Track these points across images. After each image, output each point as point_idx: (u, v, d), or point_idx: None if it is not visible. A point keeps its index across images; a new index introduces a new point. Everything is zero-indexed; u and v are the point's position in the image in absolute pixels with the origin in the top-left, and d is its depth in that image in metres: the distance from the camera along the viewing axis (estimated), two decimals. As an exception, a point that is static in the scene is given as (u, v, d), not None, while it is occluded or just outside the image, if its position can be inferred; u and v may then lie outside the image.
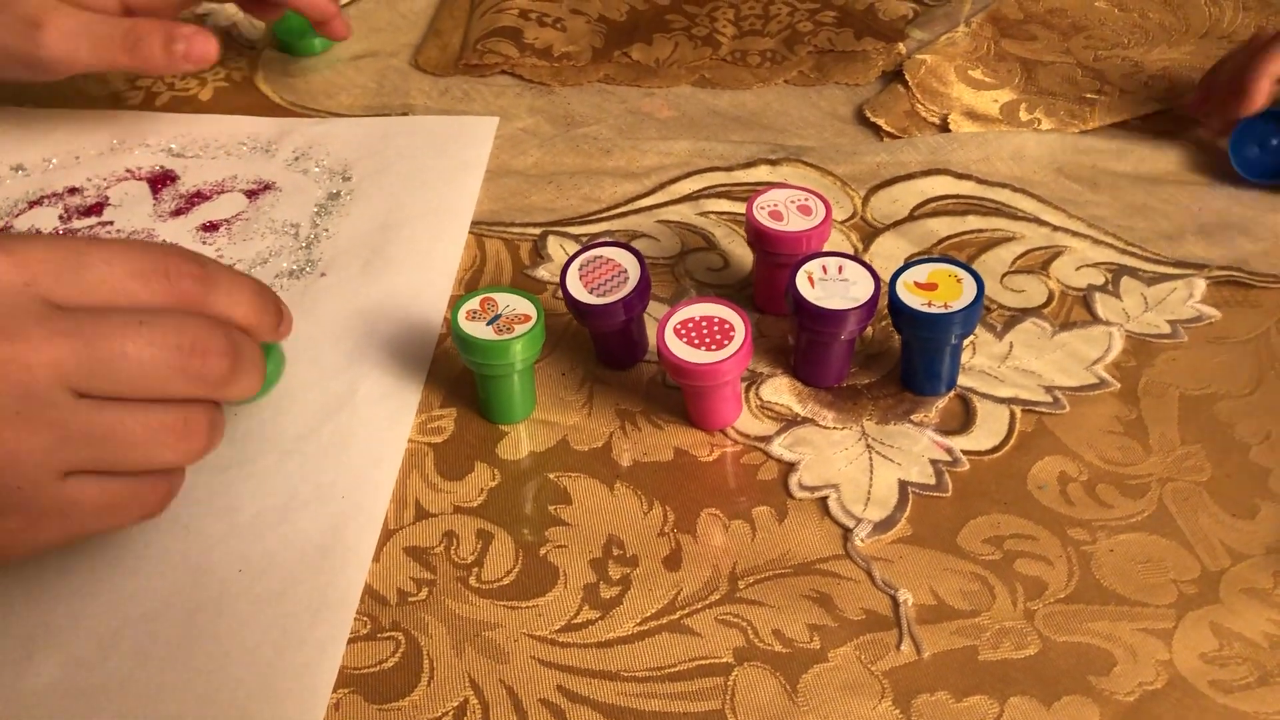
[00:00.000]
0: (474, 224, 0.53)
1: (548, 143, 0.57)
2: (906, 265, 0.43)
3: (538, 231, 0.52)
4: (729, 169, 0.55)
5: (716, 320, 0.41)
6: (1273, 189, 0.52)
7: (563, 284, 0.43)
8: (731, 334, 0.41)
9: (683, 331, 0.41)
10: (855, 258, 0.43)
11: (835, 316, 0.41)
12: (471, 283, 0.50)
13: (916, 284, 0.42)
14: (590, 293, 0.43)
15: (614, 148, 0.57)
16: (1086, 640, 0.37)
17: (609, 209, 0.53)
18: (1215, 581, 0.38)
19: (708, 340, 0.40)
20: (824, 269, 0.43)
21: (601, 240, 0.45)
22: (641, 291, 0.43)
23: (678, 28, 0.65)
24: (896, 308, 0.42)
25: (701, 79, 0.62)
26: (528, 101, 0.61)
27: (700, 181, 0.54)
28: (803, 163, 0.55)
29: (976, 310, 0.41)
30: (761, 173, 0.55)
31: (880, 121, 0.57)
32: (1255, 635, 0.36)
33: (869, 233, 0.52)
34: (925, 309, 0.41)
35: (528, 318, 0.41)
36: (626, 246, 0.44)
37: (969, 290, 0.41)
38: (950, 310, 0.41)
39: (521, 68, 0.63)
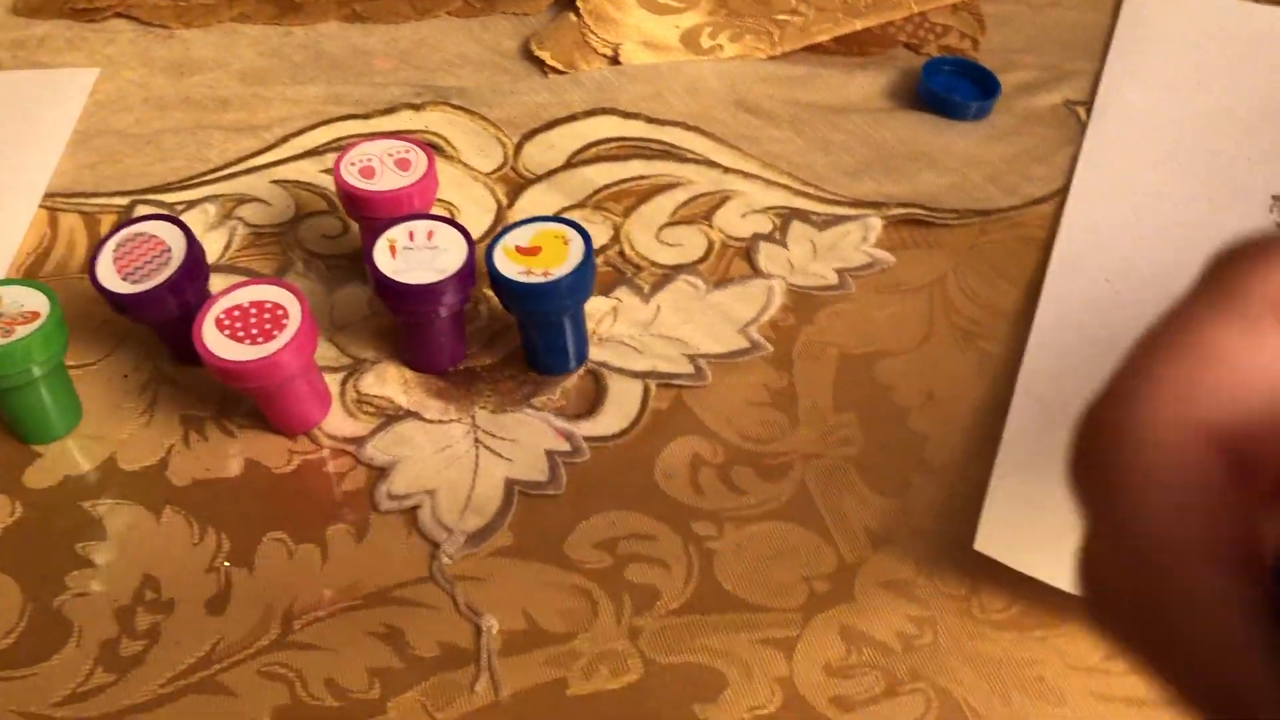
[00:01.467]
0: (49, 196, 0.44)
1: (156, 96, 0.49)
2: (508, 228, 0.36)
3: (125, 202, 0.44)
4: (366, 116, 0.47)
5: (268, 305, 0.34)
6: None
7: (91, 271, 0.35)
8: (284, 320, 0.34)
9: (227, 322, 0.34)
10: (448, 220, 0.36)
11: (418, 292, 0.35)
12: (35, 267, 0.42)
13: (518, 249, 0.36)
14: (125, 279, 0.35)
15: (234, 98, 0.48)
16: (696, 659, 0.31)
17: (216, 170, 0.45)
18: (852, 575, 0.33)
19: (255, 332, 0.33)
20: (411, 235, 0.36)
21: (143, 215, 0.37)
22: (188, 272, 0.35)
23: (336, -45, 0.56)
24: (494, 279, 0.35)
25: (352, 14, 0.54)
26: (142, 48, 0.51)
27: (331, 132, 0.47)
28: (451, 106, 0.48)
29: (584, 276, 0.35)
30: (403, 119, 0.47)
31: (545, 56, 0.50)
32: (888, 637, 0.32)
33: (518, 185, 0.45)
34: (523, 278, 0.35)
35: (36, 315, 0.34)
36: (171, 219, 0.36)
37: (575, 252, 0.35)
38: (551, 279, 0.35)
39: (140, 9, 0.53)
